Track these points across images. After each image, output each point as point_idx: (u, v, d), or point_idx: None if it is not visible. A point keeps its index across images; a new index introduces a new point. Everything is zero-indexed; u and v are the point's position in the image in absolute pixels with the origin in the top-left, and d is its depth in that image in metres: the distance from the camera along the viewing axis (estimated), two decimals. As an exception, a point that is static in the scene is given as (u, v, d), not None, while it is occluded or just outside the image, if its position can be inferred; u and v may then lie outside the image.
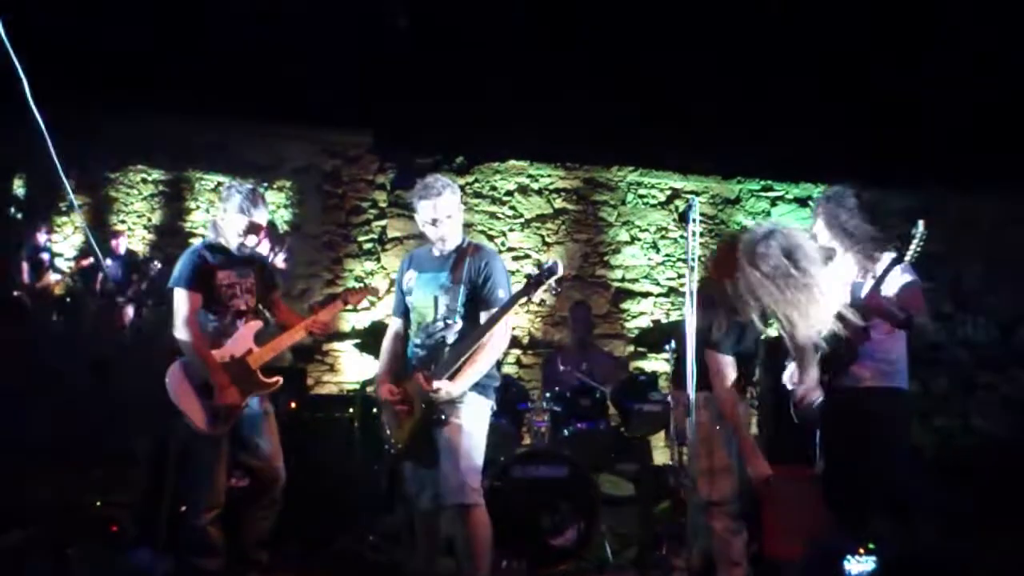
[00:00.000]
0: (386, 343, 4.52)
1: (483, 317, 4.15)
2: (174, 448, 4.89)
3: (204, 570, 4.48)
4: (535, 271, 4.02)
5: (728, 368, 4.29)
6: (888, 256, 4.09)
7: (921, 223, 3.98)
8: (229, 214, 4.62)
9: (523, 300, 4.07)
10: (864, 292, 4.11)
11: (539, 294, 4.03)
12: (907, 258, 4.00)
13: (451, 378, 4.05)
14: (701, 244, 4.20)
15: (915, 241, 3.98)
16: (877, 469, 4.13)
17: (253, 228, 4.64)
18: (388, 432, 4.32)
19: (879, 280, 4.06)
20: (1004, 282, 8.83)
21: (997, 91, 8.86)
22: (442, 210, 4.23)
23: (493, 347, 4.18)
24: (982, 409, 8.80)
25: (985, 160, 8.75)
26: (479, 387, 4.20)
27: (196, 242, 5.03)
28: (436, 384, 4.01)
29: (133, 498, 5.67)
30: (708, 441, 4.34)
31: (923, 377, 8.11)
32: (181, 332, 4.49)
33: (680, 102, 9.33)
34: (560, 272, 4.01)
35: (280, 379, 4.70)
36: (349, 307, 5.34)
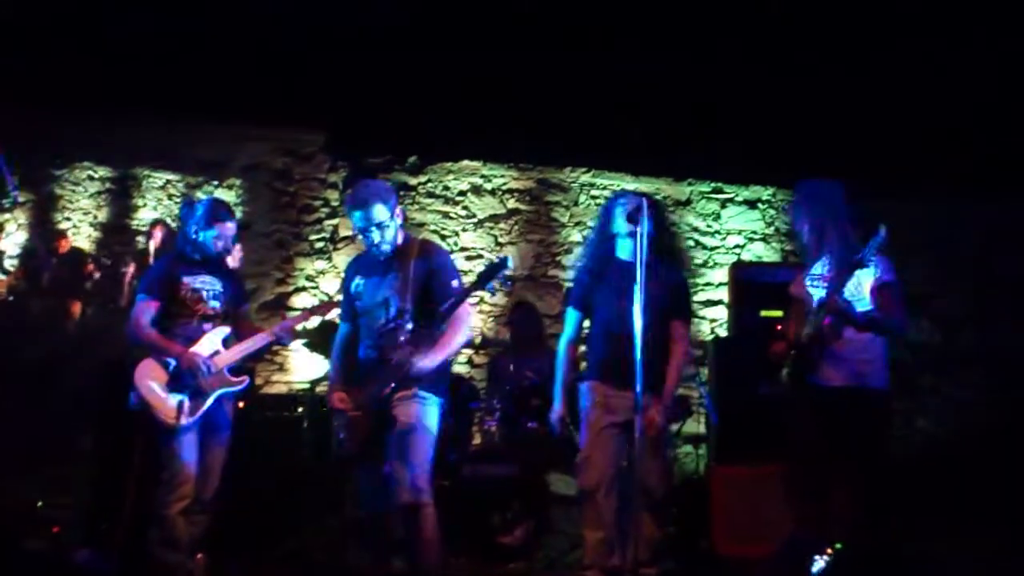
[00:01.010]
0: (335, 349, 4.51)
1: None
2: (139, 444, 4.89)
3: (166, 564, 4.49)
4: (484, 267, 4.03)
5: None
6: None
7: (883, 228, 4.04)
8: (206, 233, 4.76)
9: (473, 293, 4.08)
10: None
11: (490, 288, 4.03)
12: (865, 261, 4.06)
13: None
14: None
15: (875, 245, 4.04)
16: (844, 469, 4.18)
17: (223, 237, 4.81)
18: (340, 436, 4.29)
19: (837, 281, 4.12)
20: (947, 284, 9.01)
21: (942, 95, 9.04)
22: (372, 219, 4.20)
23: (458, 331, 4.17)
24: (926, 411, 8.96)
25: (929, 163, 8.92)
26: (431, 385, 4.19)
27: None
28: (409, 358, 4.00)
29: (78, 498, 5.60)
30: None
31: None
32: (135, 337, 4.66)
33: (632, 104, 9.40)
34: (511, 267, 4.02)
35: (247, 378, 4.79)
36: (317, 317, 5.41)
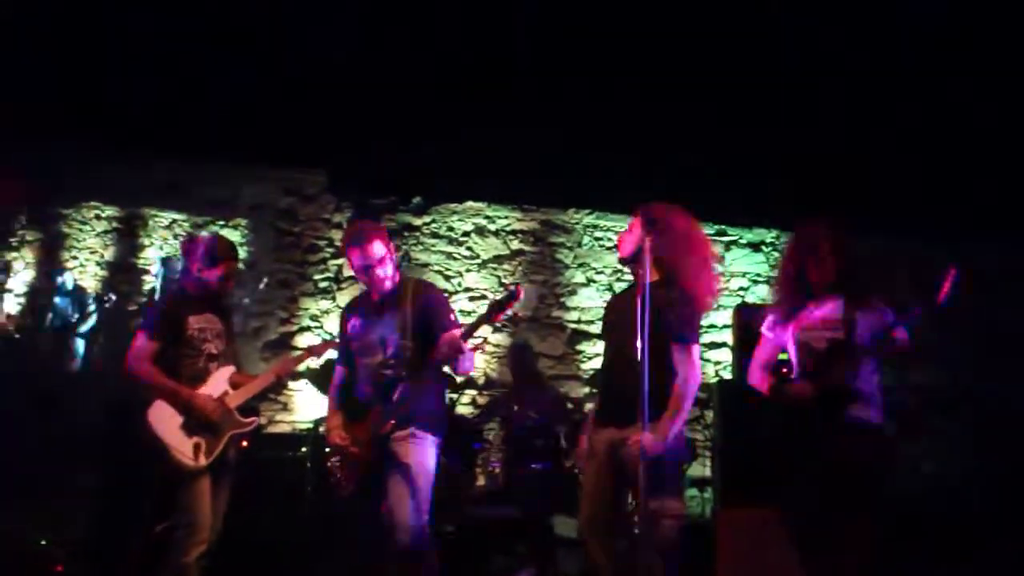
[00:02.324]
0: (332, 391, 4.56)
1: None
2: (157, 485, 4.88)
3: None
4: (496, 297, 4.04)
5: None
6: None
7: (954, 268, 4.00)
8: (211, 272, 4.73)
9: (484, 324, 4.09)
10: (883, 330, 4.11)
11: (501, 319, 4.06)
12: (943, 304, 3.99)
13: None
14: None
15: (950, 286, 3.98)
16: (851, 514, 4.14)
17: (228, 276, 4.78)
18: (338, 476, 4.29)
19: (904, 320, 4.06)
20: (951, 326, 8.99)
21: (948, 138, 9.09)
22: (373, 255, 4.25)
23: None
24: (932, 454, 8.91)
25: (933, 208, 8.95)
26: (428, 424, 4.20)
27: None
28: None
29: (81, 536, 5.57)
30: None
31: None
32: (135, 372, 4.59)
33: (636, 147, 9.45)
34: (523, 298, 4.02)
35: (256, 419, 4.80)
36: (314, 358, 5.40)
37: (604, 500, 4.27)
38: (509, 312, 4.05)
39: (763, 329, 4.62)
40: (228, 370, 4.78)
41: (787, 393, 4.31)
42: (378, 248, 4.27)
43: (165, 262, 8.44)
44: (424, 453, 4.17)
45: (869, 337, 4.17)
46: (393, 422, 4.08)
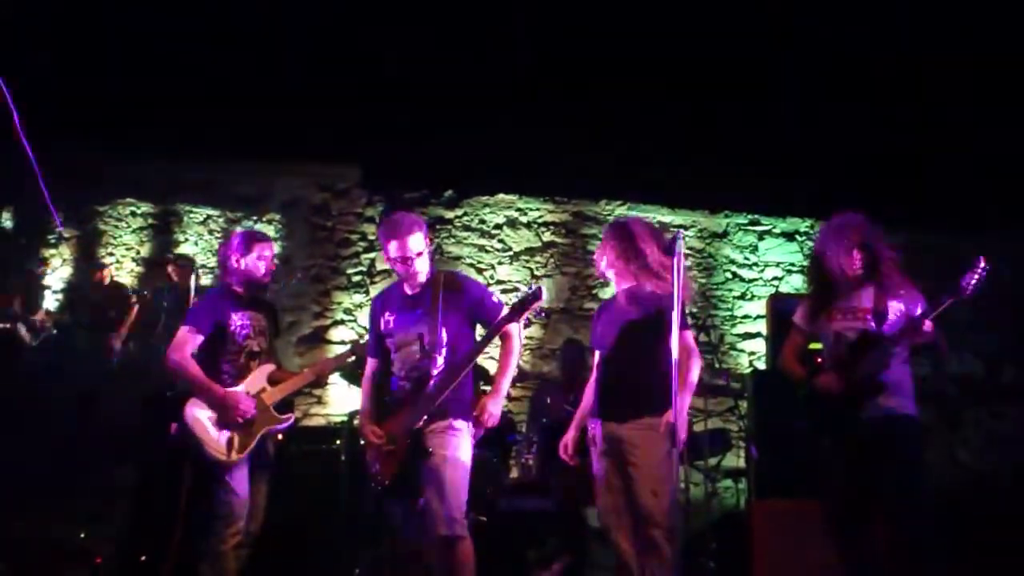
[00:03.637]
0: (365, 384, 4.57)
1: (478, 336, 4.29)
2: (187, 480, 4.93)
3: None
4: (518, 298, 4.08)
5: None
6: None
7: (982, 259, 4.01)
8: (248, 257, 4.77)
9: (507, 324, 4.16)
10: (909, 320, 4.14)
11: (524, 319, 4.10)
12: (969, 294, 4.02)
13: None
14: (688, 277, 4.23)
15: (977, 277, 4.00)
16: (884, 505, 4.13)
17: (265, 258, 4.82)
18: (374, 470, 4.32)
19: (933, 310, 4.08)
20: (989, 319, 8.88)
21: (978, 126, 8.99)
22: (411, 248, 4.27)
23: (510, 354, 4.31)
24: (967, 444, 8.82)
25: (969, 201, 8.85)
26: (463, 416, 4.23)
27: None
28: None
29: (118, 530, 5.64)
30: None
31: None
32: (177, 365, 4.61)
33: (668, 136, 9.42)
34: (544, 297, 4.07)
35: (292, 416, 4.83)
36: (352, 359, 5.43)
37: (615, 489, 4.37)
38: (532, 311, 4.07)
39: (795, 319, 4.62)
40: (268, 367, 4.82)
41: (817, 386, 4.32)
42: (418, 240, 4.29)
43: (158, 292, 8.53)
44: (461, 445, 4.19)
45: (899, 327, 4.16)
46: (426, 417, 4.10)
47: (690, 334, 4.47)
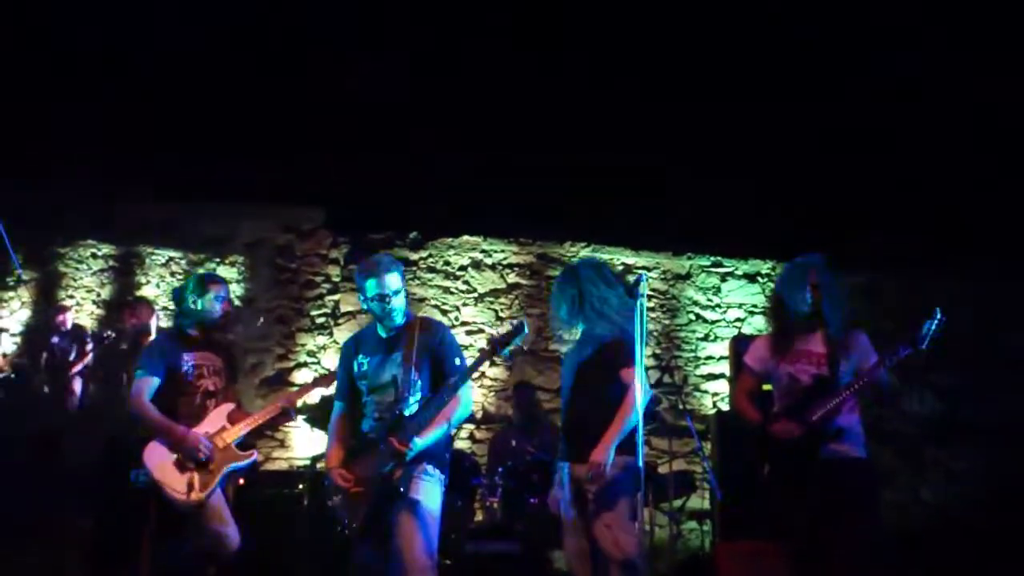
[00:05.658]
0: (332, 427, 4.52)
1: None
2: (151, 524, 4.88)
3: None
4: (500, 332, 4.10)
5: None
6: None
7: (939, 311, 4.07)
8: (204, 299, 4.84)
9: (489, 360, 4.17)
10: (865, 371, 4.20)
11: (505, 353, 4.11)
12: (924, 346, 4.08)
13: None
14: (652, 319, 4.26)
15: (933, 328, 4.07)
16: (846, 543, 4.15)
17: (220, 298, 4.88)
18: (341, 514, 4.26)
19: (887, 361, 4.14)
20: (946, 358, 8.99)
21: (935, 171, 9.17)
22: (389, 285, 4.28)
23: (455, 407, 4.25)
24: (930, 483, 8.90)
25: (926, 242, 9.01)
26: (433, 462, 4.20)
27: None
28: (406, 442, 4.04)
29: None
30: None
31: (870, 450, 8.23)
32: (138, 413, 4.68)
33: (632, 179, 9.51)
34: (527, 331, 4.09)
35: (255, 452, 4.85)
36: (320, 388, 5.42)
37: (579, 531, 4.40)
38: (512, 346, 4.09)
39: (746, 359, 4.66)
40: (227, 407, 4.83)
41: (775, 432, 4.36)
42: (395, 279, 4.31)
43: (120, 335, 8.39)
44: (433, 491, 4.18)
45: (851, 375, 4.23)
46: (394, 464, 4.07)
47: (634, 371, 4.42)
